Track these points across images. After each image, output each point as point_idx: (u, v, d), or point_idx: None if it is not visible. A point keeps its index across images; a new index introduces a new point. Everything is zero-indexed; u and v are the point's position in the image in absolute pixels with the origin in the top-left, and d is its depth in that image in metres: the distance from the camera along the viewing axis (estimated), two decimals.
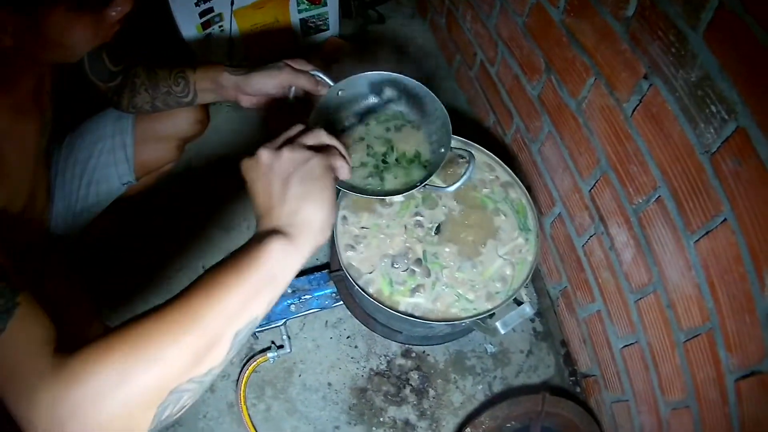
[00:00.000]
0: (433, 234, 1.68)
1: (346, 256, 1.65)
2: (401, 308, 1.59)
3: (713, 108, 1.14)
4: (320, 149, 0.97)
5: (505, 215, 1.72)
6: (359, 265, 1.64)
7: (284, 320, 2.00)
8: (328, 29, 2.70)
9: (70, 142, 1.78)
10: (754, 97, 1.04)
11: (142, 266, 2.17)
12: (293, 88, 1.48)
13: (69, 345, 0.79)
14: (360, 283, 1.61)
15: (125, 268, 2.16)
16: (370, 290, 1.61)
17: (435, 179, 1.35)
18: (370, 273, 1.63)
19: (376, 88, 1.48)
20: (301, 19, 2.54)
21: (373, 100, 1.50)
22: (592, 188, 1.65)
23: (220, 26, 2.34)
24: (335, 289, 2.01)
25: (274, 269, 0.85)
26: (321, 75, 1.48)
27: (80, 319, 1.28)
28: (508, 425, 1.86)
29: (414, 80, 1.43)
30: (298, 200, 0.89)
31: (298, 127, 0.99)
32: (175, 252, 2.23)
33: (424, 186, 1.37)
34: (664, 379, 1.52)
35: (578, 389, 2.06)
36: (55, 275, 1.33)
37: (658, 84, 1.28)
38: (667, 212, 1.35)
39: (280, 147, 0.93)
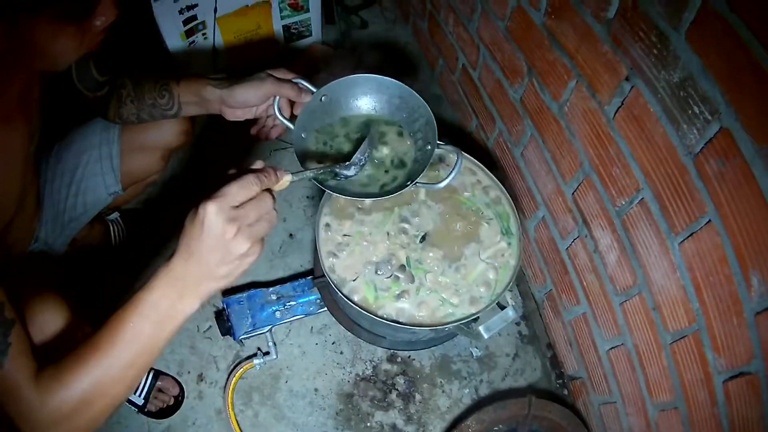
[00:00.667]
0: (417, 242, 1.68)
1: (330, 263, 1.64)
2: (386, 314, 1.60)
3: (696, 109, 1.13)
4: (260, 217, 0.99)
5: (487, 220, 1.73)
6: (343, 272, 1.64)
7: (270, 327, 2.00)
8: (310, 35, 2.70)
9: (58, 150, 1.77)
10: (738, 97, 1.04)
11: (127, 274, 2.14)
12: (277, 98, 1.47)
13: (47, 359, 1.05)
14: (344, 290, 1.61)
15: (110, 277, 2.15)
16: (355, 297, 1.61)
17: (422, 179, 1.35)
18: (354, 280, 1.63)
19: (359, 91, 1.48)
20: (283, 26, 2.55)
21: (356, 103, 1.50)
22: (575, 191, 1.65)
23: (203, 34, 2.34)
24: (319, 296, 2.00)
25: (185, 322, 1.03)
26: (304, 83, 1.47)
27: (66, 325, 1.30)
28: (495, 429, 1.86)
29: (394, 80, 1.43)
30: (218, 280, 0.99)
31: (265, 207, 0.99)
32: (163, 258, 2.19)
33: (414, 184, 1.37)
34: (652, 380, 1.52)
35: (565, 392, 2.07)
36: (39, 283, 1.32)
37: (639, 85, 1.28)
38: (651, 214, 1.35)
39: (249, 234, 0.96)
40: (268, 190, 1.01)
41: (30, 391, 1.00)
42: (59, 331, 1.25)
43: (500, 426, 1.87)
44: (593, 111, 1.47)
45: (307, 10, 2.55)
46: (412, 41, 2.90)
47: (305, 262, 2.23)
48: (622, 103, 1.35)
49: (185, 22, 2.24)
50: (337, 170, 1.37)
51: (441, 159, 1.73)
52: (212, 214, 0.91)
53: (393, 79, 1.43)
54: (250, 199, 0.96)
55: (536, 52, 1.68)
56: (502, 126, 2.04)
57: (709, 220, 1.17)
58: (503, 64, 1.91)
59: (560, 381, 2.09)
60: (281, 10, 2.46)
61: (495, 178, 1.76)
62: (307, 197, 2.39)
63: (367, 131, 1.46)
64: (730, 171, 1.09)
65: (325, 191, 1.41)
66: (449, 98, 2.59)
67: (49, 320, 1.25)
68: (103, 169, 1.80)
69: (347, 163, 1.37)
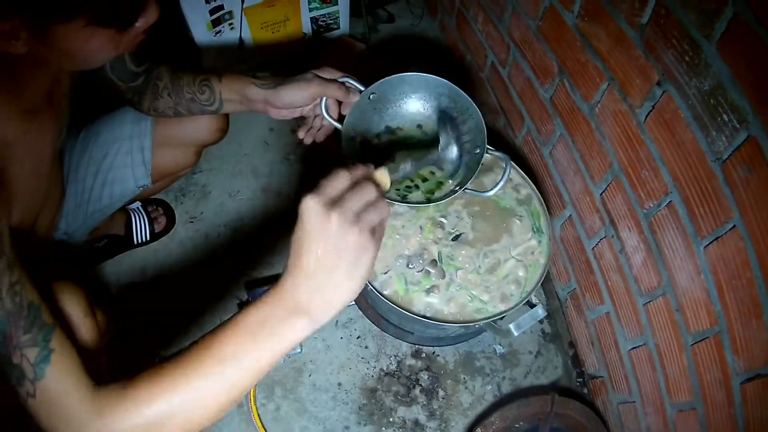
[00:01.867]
0: (450, 239, 1.70)
1: None
2: (415, 309, 1.60)
3: (725, 117, 1.14)
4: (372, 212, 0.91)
5: (519, 217, 1.74)
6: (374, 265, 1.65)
7: None
8: (338, 28, 2.70)
9: (85, 138, 1.76)
10: (765, 108, 1.05)
11: (146, 266, 2.19)
12: (324, 98, 1.45)
13: (98, 376, 0.94)
14: (375, 284, 1.62)
15: (129, 267, 2.18)
16: (386, 291, 1.62)
17: (470, 185, 1.35)
18: (385, 273, 1.65)
19: (408, 89, 1.47)
20: (311, 18, 2.55)
21: (405, 102, 1.50)
22: (603, 192, 1.65)
23: (230, 24, 2.35)
24: None
25: (293, 346, 0.91)
26: (351, 81, 1.45)
27: (83, 316, 1.28)
28: (517, 425, 1.87)
29: (444, 80, 1.42)
30: (336, 288, 0.88)
31: (367, 194, 0.90)
32: (183, 252, 2.25)
33: (464, 190, 1.36)
34: (672, 380, 1.52)
35: (585, 390, 2.07)
36: (57, 274, 1.31)
37: (671, 91, 1.28)
38: (678, 217, 1.35)
39: (353, 221, 0.86)
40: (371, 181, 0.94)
41: (82, 406, 0.90)
42: (76, 323, 1.20)
43: (522, 423, 1.87)
44: (624, 113, 1.48)
45: (336, 3, 2.55)
46: (440, 37, 2.91)
47: None
48: (653, 108, 1.36)
49: (212, 12, 2.25)
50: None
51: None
52: (309, 201, 0.85)
53: (443, 79, 1.42)
54: (348, 189, 0.89)
55: (568, 53, 1.69)
56: (530, 124, 2.04)
57: (734, 226, 1.17)
58: (534, 63, 1.92)
59: (580, 379, 2.09)
60: (310, 2, 2.47)
61: (526, 176, 1.78)
62: None
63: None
64: (756, 178, 1.10)
65: None
66: (477, 95, 2.57)
67: (66, 309, 1.18)
68: (134, 162, 1.80)
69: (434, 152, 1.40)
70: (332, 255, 0.85)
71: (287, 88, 1.43)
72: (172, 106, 1.55)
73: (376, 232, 0.90)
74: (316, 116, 1.53)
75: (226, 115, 1.84)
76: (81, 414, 0.89)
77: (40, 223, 1.55)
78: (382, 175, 1.01)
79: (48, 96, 1.31)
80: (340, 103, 1.47)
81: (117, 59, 1.47)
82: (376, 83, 1.42)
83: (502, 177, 1.37)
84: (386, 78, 1.42)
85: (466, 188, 1.36)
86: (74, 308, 1.19)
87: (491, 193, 1.38)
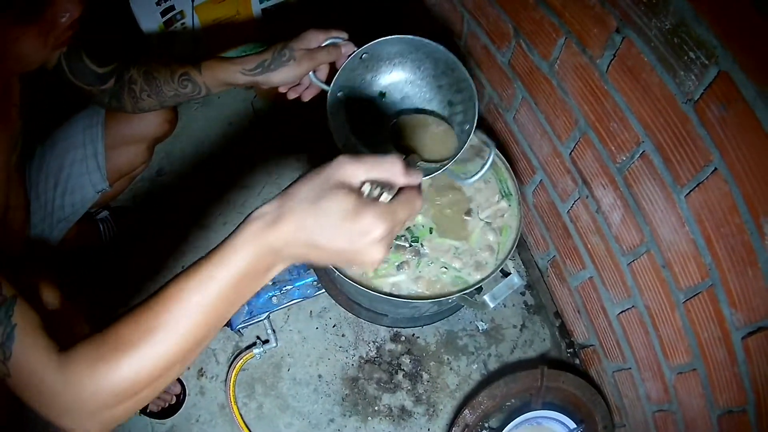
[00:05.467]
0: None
1: None
2: (386, 288, 1.57)
3: (692, 54, 1.09)
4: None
5: (485, 181, 1.74)
6: None
7: (267, 313, 1.98)
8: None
9: (41, 152, 1.77)
10: (733, 39, 1.00)
11: (120, 270, 2.16)
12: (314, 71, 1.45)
13: (64, 339, 0.89)
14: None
15: (105, 273, 2.15)
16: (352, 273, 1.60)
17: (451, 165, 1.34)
18: None
19: (402, 50, 1.43)
20: (262, 9, 2.48)
21: (396, 66, 1.46)
22: (572, 151, 1.61)
23: (182, 23, 2.30)
24: (316, 277, 1.98)
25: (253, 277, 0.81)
26: (339, 39, 1.43)
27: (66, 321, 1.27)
28: (508, 404, 1.85)
29: (442, 47, 1.36)
30: (314, 259, 0.79)
31: (413, 210, 0.80)
32: (155, 254, 2.21)
33: (445, 169, 1.33)
34: (667, 342, 1.49)
35: (577, 361, 2.05)
36: (36, 284, 1.29)
37: (631, 36, 1.23)
38: (654, 167, 1.31)
39: (388, 242, 0.78)
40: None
41: (51, 375, 0.84)
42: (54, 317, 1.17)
43: (513, 400, 1.85)
44: (585, 66, 1.43)
45: None
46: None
47: None
48: (615, 56, 1.31)
49: (163, 13, 2.21)
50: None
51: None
52: (357, 177, 0.76)
53: (441, 46, 1.36)
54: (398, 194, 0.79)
55: (522, 13, 1.63)
56: (492, 92, 1.99)
57: (715, 168, 1.12)
58: (488, 28, 1.85)
59: (571, 350, 2.06)
60: None
61: (487, 138, 1.72)
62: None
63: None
64: (732, 116, 1.05)
65: None
66: None
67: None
68: (89, 168, 1.81)
69: None
70: (347, 255, 0.77)
71: (275, 72, 1.42)
72: (157, 104, 1.56)
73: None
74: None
75: (174, 108, 1.87)
76: (51, 383, 0.85)
77: (8, 233, 1.55)
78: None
79: None
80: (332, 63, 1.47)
81: (76, 64, 1.46)
82: (368, 44, 1.38)
83: (486, 163, 1.34)
84: (380, 39, 1.38)
85: (446, 168, 1.32)
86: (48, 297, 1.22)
87: (472, 180, 1.37)
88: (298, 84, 1.51)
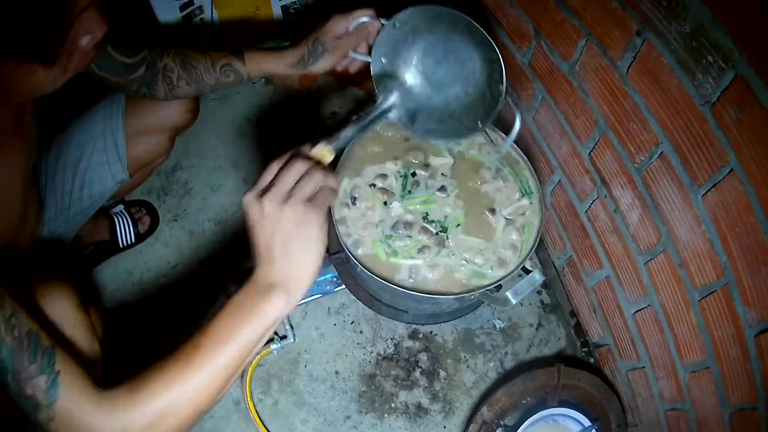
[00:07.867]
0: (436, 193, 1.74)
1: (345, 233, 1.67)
2: (405, 271, 1.63)
3: (710, 58, 1.11)
4: (317, 192, 0.99)
5: (504, 178, 1.77)
6: (356, 233, 1.68)
7: None
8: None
9: (57, 144, 1.75)
10: (750, 44, 1.02)
11: (133, 264, 2.17)
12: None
13: (102, 380, 0.99)
14: (358, 252, 1.65)
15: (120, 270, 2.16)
16: (367, 259, 1.64)
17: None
18: (361, 237, 1.67)
19: (433, 23, 1.39)
20: (282, 6, 2.50)
21: (428, 36, 1.42)
22: (591, 151, 1.62)
23: (201, 18, 2.32)
24: (335, 273, 1.98)
25: (275, 321, 0.98)
26: (365, 18, 1.46)
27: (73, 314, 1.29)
28: (524, 401, 1.85)
29: (474, 22, 1.32)
30: (297, 262, 0.96)
31: (296, 170, 0.99)
32: (168, 247, 2.22)
33: (483, 130, 1.40)
34: (681, 340, 1.49)
35: (591, 360, 2.05)
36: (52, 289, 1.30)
37: (651, 39, 1.25)
38: (672, 168, 1.32)
39: (283, 199, 0.95)
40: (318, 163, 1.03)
41: (97, 416, 0.95)
42: (71, 324, 1.24)
43: (529, 398, 1.85)
44: (605, 68, 1.44)
45: None
46: None
47: None
48: (635, 58, 1.32)
49: (182, 8, 2.23)
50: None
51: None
52: (245, 197, 0.97)
53: (471, 20, 1.31)
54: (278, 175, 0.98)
55: (543, 14, 1.64)
56: (511, 91, 1.99)
57: (732, 169, 1.14)
58: (509, 29, 1.87)
59: (585, 349, 2.06)
60: None
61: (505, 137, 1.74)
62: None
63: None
64: (748, 118, 1.07)
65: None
66: None
67: (59, 311, 1.23)
68: (109, 159, 1.79)
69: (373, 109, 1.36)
70: (278, 237, 0.95)
71: (317, 64, 1.51)
72: (195, 92, 1.63)
73: (317, 201, 0.97)
74: None
75: (196, 98, 1.86)
76: (97, 422, 0.94)
77: (20, 240, 1.53)
78: (319, 151, 1.09)
79: (13, 119, 1.32)
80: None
81: (102, 57, 1.46)
82: (401, 13, 1.37)
83: (516, 125, 1.37)
84: (413, 8, 1.35)
85: (485, 128, 1.39)
86: (67, 308, 1.24)
87: (508, 142, 1.43)
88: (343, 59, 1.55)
